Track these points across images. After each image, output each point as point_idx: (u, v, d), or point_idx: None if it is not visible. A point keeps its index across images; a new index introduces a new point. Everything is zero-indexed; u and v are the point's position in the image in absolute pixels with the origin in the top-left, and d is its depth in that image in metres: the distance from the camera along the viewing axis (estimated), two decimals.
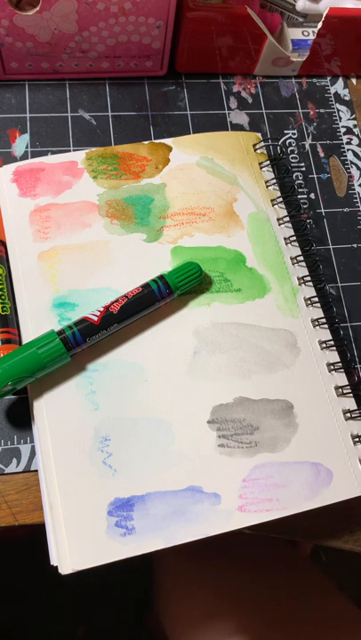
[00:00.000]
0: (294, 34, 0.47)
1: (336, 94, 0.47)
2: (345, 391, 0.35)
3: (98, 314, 0.33)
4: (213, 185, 0.39)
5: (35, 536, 0.33)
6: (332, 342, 0.37)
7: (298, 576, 0.54)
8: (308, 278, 0.38)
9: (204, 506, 0.31)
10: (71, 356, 0.32)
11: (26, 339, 0.34)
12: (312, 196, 0.44)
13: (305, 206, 0.43)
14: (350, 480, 0.33)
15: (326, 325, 0.37)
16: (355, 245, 0.43)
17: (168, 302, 0.35)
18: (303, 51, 0.46)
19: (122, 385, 0.33)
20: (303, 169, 0.45)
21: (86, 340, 0.32)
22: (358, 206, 0.44)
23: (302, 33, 0.47)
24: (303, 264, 0.39)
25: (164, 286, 0.34)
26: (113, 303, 0.33)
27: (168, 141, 0.41)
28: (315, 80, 0.48)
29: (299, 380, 0.35)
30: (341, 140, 0.46)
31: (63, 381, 0.33)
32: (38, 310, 0.34)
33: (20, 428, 0.34)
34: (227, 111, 0.45)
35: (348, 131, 0.46)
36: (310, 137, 0.46)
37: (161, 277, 0.35)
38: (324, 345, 0.36)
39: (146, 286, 0.34)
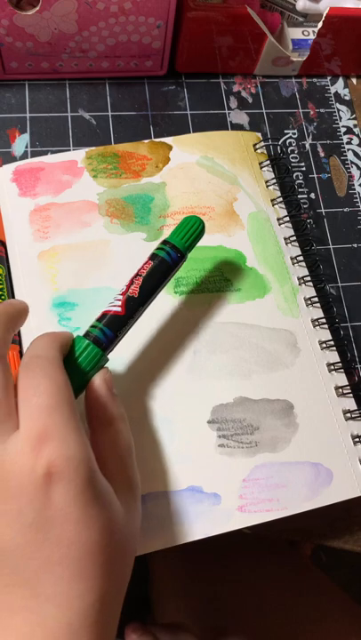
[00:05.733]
0: (294, 33, 0.46)
1: (336, 94, 0.47)
2: (345, 391, 0.35)
3: (119, 303, 0.30)
4: (214, 184, 0.39)
5: None
6: (332, 342, 0.36)
7: (298, 576, 0.54)
8: (309, 278, 0.38)
9: (204, 506, 0.31)
10: (108, 354, 0.30)
11: (25, 338, 0.34)
12: (312, 195, 0.44)
13: (305, 206, 0.43)
14: (350, 480, 0.33)
15: (326, 325, 0.37)
16: (355, 245, 0.43)
17: (168, 302, 0.35)
18: (303, 50, 0.46)
19: (121, 385, 0.33)
20: (303, 169, 0.45)
21: (117, 335, 0.30)
22: (358, 206, 0.44)
23: (302, 33, 0.47)
24: (303, 264, 0.39)
25: (173, 250, 0.31)
26: (129, 287, 0.30)
27: (168, 140, 0.41)
28: (315, 80, 0.48)
29: (299, 380, 0.35)
30: (342, 139, 0.46)
31: None
32: (38, 310, 0.34)
33: None
34: (227, 111, 0.45)
35: (349, 130, 0.46)
36: (310, 137, 0.46)
37: (166, 242, 0.32)
38: (324, 345, 0.36)
39: (154, 257, 0.31)
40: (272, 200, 0.40)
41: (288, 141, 0.45)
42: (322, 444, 0.34)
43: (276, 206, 0.40)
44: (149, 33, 0.41)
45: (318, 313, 0.38)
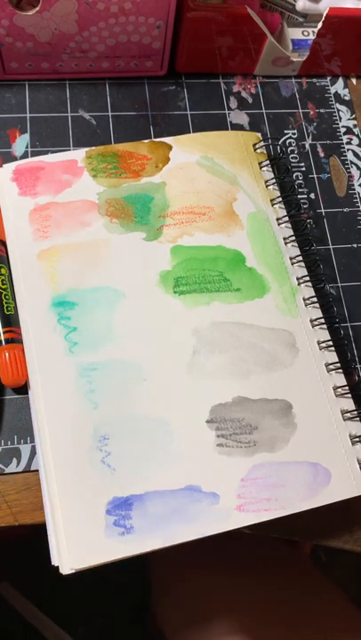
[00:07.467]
0: (294, 34, 0.47)
1: (336, 94, 0.47)
2: (343, 391, 0.35)
3: None
4: (213, 184, 0.39)
5: (35, 536, 0.33)
6: (330, 342, 0.36)
7: (297, 576, 0.54)
8: (308, 278, 0.38)
9: (202, 505, 0.31)
10: None
11: (26, 338, 0.34)
12: (312, 195, 0.44)
13: (305, 206, 0.43)
14: (349, 480, 0.33)
15: (325, 325, 0.37)
16: (355, 245, 0.43)
17: (167, 302, 0.35)
18: (303, 51, 0.46)
19: (121, 384, 0.33)
20: (303, 169, 0.45)
21: None
22: (358, 206, 0.44)
23: (302, 33, 0.47)
24: (303, 264, 0.39)
25: None
26: None
27: (168, 140, 0.41)
28: (315, 80, 0.48)
29: (298, 380, 0.35)
30: (341, 139, 0.46)
31: (62, 381, 0.33)
32: (37, 309, 0.34)
33: (19, 428, 0.34)
34: (227, 111, 0.45)
35: (348, 131, 0.46)
36: (310, 137, 0.46)
37: None
38: (322, 345, 0.36)
39: None
40: (272, 200, 0.40)
41: (288, 141, 0.45)
42: (320, 443, 0.34)
43: (275, 206, 0.40)
44: (149, 33, 0.41)
45: (317, 313, 0.38)
